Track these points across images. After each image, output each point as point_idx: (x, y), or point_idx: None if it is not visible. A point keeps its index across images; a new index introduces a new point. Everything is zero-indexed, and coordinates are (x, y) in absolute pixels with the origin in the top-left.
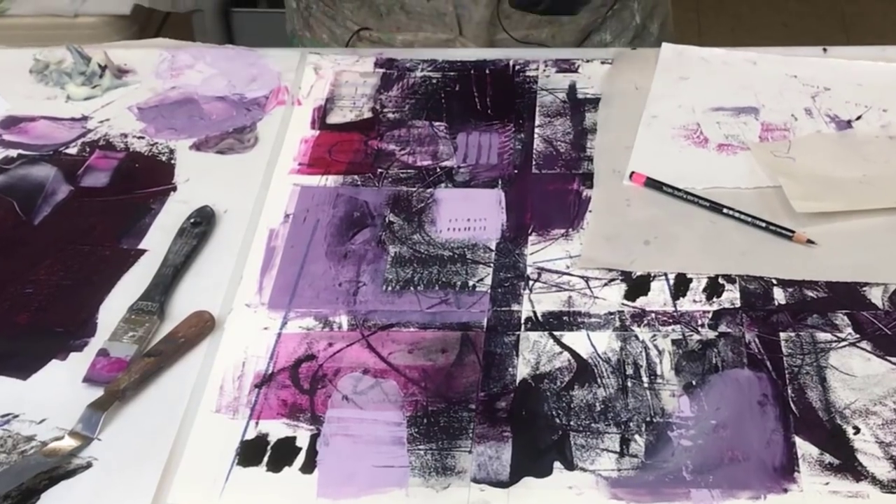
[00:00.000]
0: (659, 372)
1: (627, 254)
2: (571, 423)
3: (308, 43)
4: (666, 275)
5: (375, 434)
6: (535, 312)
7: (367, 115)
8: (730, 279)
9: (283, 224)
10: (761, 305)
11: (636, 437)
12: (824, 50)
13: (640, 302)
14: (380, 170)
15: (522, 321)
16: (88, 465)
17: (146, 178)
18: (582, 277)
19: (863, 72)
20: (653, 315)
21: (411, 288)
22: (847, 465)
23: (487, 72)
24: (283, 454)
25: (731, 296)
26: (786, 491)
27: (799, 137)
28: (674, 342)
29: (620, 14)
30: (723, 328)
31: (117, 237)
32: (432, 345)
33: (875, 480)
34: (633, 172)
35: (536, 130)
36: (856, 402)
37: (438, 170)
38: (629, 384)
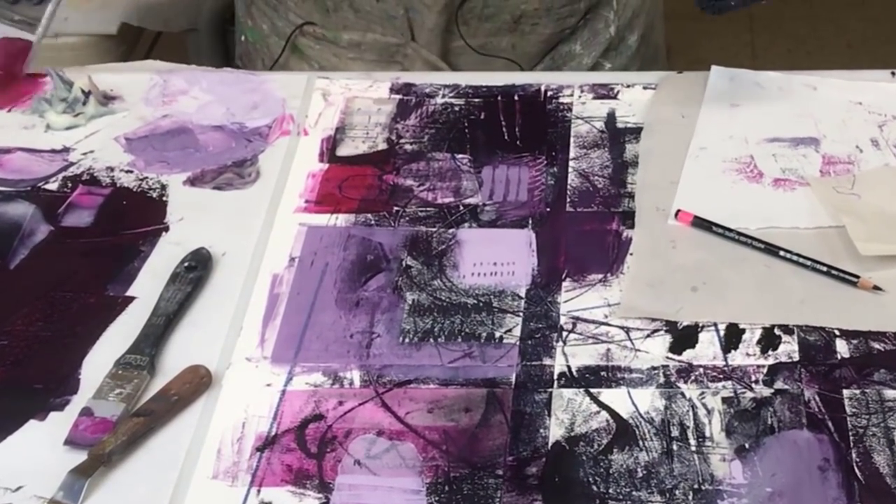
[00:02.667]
0: (708, 434)
1: (673, 302)
2: (610, 490)
3: (249, 33)
4: (716, 325)
5: (391, 503)
6: (569, 367)
7: (382, 146)
8: (787, 330)
9: (288, 268)
10: (822, 359)
11: None
12: (893, 74)
13: (687, 355)
14: (396, 208)
15: (555, 377)
16: None
17: (135, 217)
18: (622, 328)
19: None
20: (701, 370)
21: (431, 340)
22: None
23: (516, 98)
24: None
25: (788, 348)
26: None
27: (864, 172)
28: (724, 400)
29: (593, 24)
30: (779, 385)
31: (103, 283)
32: (454, 403)
33: None
34: (678, 211)
35: (571, 164)
36: None
37: (461, 208)
38: (675, 447)
